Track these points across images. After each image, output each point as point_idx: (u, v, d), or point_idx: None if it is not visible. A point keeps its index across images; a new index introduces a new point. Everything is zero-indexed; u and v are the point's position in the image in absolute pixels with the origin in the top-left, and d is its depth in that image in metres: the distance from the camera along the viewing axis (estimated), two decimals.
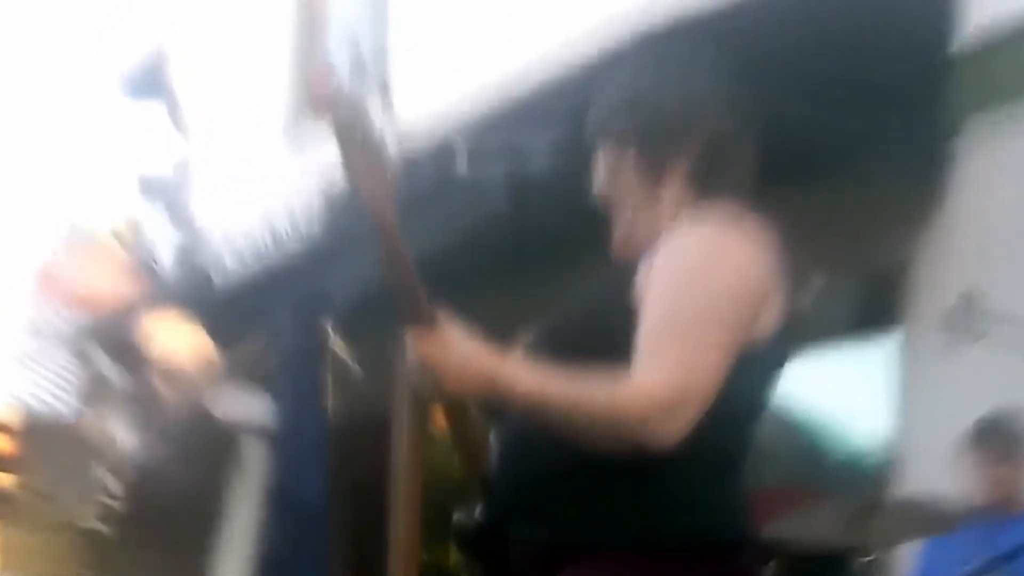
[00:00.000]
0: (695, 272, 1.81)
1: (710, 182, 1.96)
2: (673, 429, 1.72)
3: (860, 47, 4.50)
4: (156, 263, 11.62)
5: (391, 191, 1.74)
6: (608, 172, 2.04)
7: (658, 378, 1.73)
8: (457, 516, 1.98)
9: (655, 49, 2.09)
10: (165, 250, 11.55)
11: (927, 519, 3.82)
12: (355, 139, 1.71)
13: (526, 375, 1.76)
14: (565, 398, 1.73)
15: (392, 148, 1.74)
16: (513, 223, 5.03)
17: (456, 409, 1.93)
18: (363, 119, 1.71)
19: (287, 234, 5.82)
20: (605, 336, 1.83)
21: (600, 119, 2.05)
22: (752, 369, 1.84)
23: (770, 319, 1.86)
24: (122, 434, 4.35)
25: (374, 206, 1.75)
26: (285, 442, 4.11)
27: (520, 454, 1.91)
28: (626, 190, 2.01)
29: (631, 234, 2.01)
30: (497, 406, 1.86)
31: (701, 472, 1.82)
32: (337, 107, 1.70)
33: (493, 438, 1.98)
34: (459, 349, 1.76)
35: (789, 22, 4.37)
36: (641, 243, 1.96)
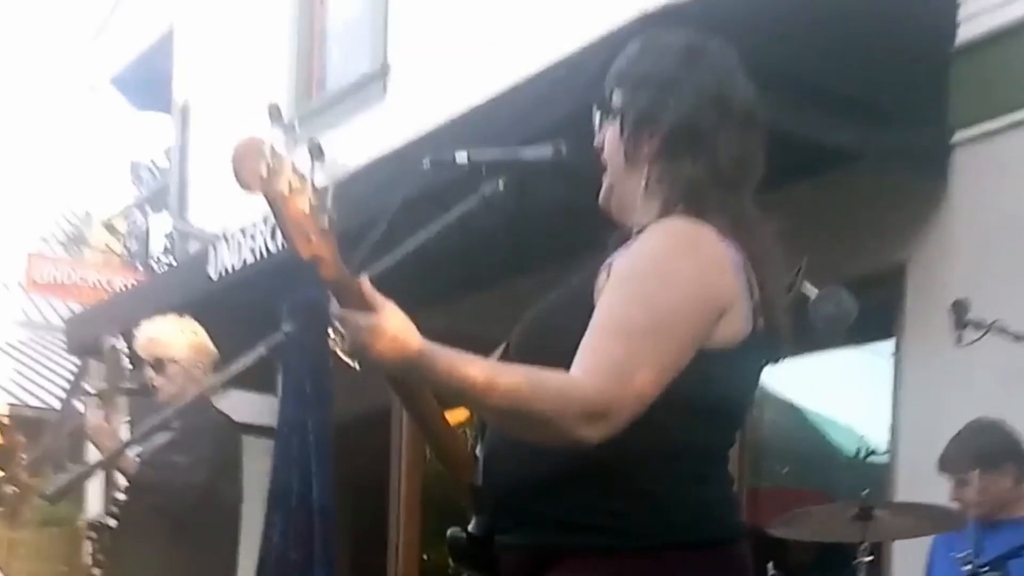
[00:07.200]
0: (650, 278, 1.81)
1: (683, 179, 1.92)
2: (602, 431, 1.73)
3: (860, 48, 4.50)
4: (153, 257, 11.62)
5: (332, 250, 1.74)
6: (600, 140, 2.04)
7: (595, 380, 1.73)
8: (451, 530, 1.99)
9: (662, 33, 2.07)
10: (162, 244, 11.54)
11: (927, 519, 3.82)
12: (291, 208, 1.71)
13: (462, 358, 1.74)
14: (501, 383, 1.72)
15: (328, 207, 1.73)
16: (513, 223, 5.01)
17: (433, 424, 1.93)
18: (297, 187, 1.71)
19: None
20: (568, 332, 1.83)
21: (598, 89, 2.07)
22: (723, 372, 1.85)
23: (737, 325, 1.85)
24: (122, 431, 4.35)
25: (319, 268, 1.75)
26: (289, 441, 4.10)
27: (503, 461, 1.91)
28: (609, 162, 2.02)
29: (612, 203, 2.02)
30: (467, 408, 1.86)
31: (681, 472, 1.84)
32: (268, 180, 1.70)
33: (479, 449, 1.99)
34: (393, 323, 1.74)
35: (788, 23, 4.36)
36: (620, 216, 2.00)
